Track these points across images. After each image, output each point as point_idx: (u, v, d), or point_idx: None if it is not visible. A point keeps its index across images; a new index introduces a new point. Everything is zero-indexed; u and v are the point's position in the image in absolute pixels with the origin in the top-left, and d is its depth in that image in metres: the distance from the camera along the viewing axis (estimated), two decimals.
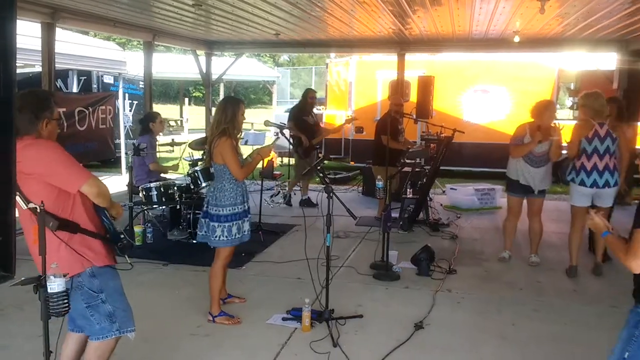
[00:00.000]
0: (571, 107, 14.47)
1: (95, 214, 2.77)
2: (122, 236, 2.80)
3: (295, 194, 9.05)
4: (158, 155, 7.04)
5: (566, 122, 11.87)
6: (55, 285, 2.38)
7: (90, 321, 2.67)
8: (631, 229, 2.42)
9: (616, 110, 5.73)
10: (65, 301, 2.43)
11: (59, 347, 2.93)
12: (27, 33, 9.47)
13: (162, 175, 7.21)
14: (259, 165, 4.68)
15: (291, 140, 5.86)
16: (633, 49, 8.48)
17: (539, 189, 5.77)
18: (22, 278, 2.45)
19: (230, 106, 4.17)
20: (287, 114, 10.20)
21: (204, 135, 7.38)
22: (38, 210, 2.36)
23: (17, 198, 2.61)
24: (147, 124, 6.91)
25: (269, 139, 13.88)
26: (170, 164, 7.85)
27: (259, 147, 4.53)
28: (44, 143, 2.66)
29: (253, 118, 16.57)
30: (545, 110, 5.60)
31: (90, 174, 2.69)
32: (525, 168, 5.71)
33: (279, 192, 9.50)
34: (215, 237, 4.19)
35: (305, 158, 8.05)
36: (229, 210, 4.18)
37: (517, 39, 7.75)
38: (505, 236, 6.17)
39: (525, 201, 5.95)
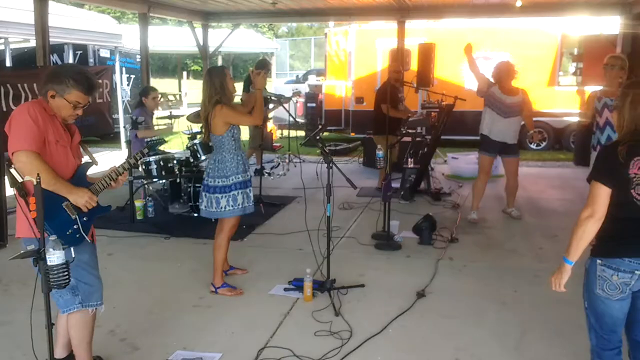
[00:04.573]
0: (574, 73, 14.28)
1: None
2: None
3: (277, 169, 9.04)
4: (156, 129, 6.97)
5: (569, 89, 11.84)
6: (54, 257, 2.37)
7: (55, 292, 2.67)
8: None
9: None
10: (66, 273, 2.42)
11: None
12: (22, 7, 9.33)
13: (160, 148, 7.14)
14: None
15: (290, 113, 5.82)
16: (637, 12, 8.31)
17: (508, 141, 6.05)
18: (22, 251, 2.45)
19: (216, 77, 4.11)
20: (287, 85, 10.10)
21: None
22: (34, 183, 2.33)
23: (12, 171, 2.59)
24: (141, 97, 6.88)
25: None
26: (163, 125, 7.57)
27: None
28: (25, 105, 2.76)
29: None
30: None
31: (32, 149, 2.60)
32: (495, 118, 6.00)
33: (279, 163, 9.48)
34: (221, 207, 4.18)
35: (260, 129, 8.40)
36: (232, 180, 4.16)
37: (519, 3, 7.59)
38: (474, 196, 6.35)
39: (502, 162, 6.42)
